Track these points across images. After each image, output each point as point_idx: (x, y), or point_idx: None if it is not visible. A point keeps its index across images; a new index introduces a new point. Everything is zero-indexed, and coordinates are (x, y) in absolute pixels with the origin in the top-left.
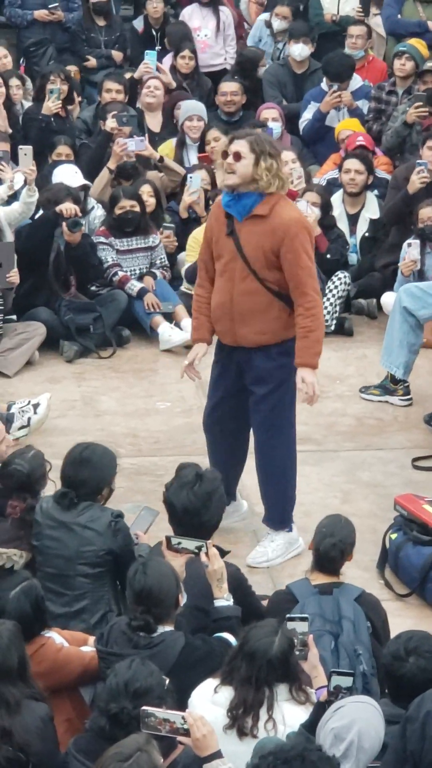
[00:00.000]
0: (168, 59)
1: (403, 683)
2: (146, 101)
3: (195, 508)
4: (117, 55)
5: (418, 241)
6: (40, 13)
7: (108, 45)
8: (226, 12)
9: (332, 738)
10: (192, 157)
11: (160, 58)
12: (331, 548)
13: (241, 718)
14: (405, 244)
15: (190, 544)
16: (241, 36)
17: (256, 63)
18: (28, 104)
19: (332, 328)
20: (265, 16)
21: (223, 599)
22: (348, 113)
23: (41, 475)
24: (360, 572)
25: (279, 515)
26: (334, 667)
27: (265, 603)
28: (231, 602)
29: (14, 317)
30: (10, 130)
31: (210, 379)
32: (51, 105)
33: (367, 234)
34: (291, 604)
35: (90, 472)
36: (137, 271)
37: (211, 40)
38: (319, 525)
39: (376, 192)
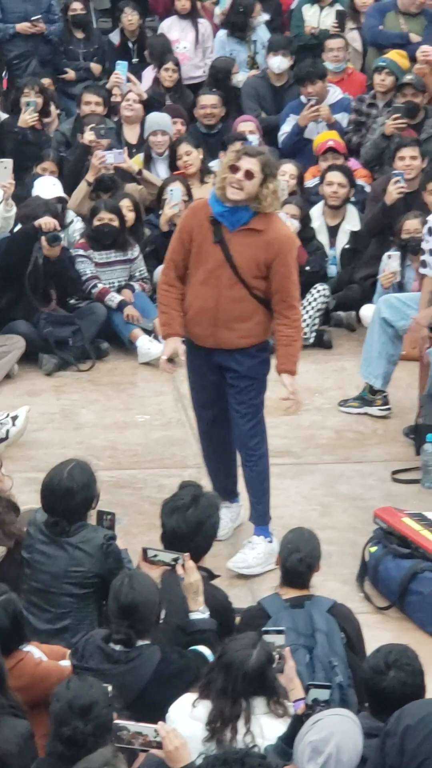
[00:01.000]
0: (150, 72)
1: (383, 697)
2: (124, 114)
3: (183, 533)
4: (95, 67)
5: (398, 253)
6: (23, 26)
7: (87, 57)
8: (204, 24)
9: (310, 751)
10: (160, 170)
11: (139, 71)
12: (298, 564)
13: (220, 730)
14: (385, 256)
15: (166, 556)
16: None
17: (229, 72)
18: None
19: (311, 341)
20: (221, 34)
21: (199, 612)
22: (327, 126)
23: None
24: (339, 585)
25: (264, 509)
26: (309, 681)
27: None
28: (206, 615)
29: None
30: None
31: (191, 389)
32: (27, 118)
33: (347, 246)
34: (263, 619)
35: (76, 500)
36: (116, 284)
37: (190, 53)
38: (284, 540)
39: (353, 198)
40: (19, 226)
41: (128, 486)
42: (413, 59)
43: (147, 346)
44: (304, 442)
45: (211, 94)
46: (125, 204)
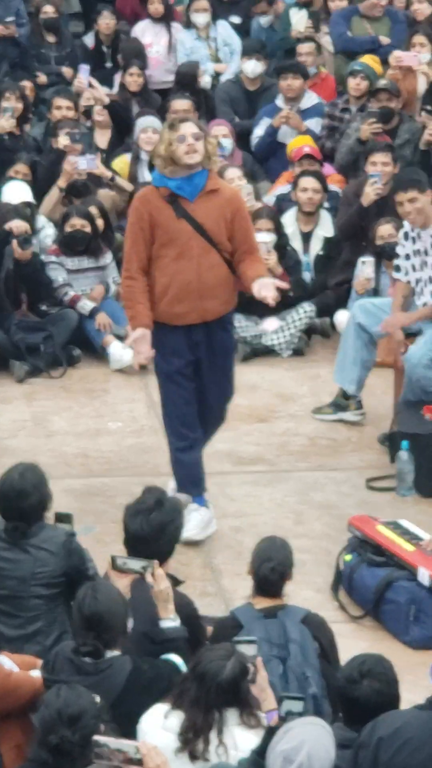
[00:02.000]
0: (120, 76)
1: (357, 706)
2: (96, 119)
3: (145, 536)
4: (67, 71)
5: (372, 259)
6: None
7: (58, 61)
8: (178, 28)
9: (282, 760)
10: (146, 172)
11: (113, 75)
12: (270, 573)
13: (192, 741)
14: (359, 262)
15: (135, 564)
16: None
17: (195, 76)
18: None
19: (286, 355)
20: (182, 35)
21: (169, 620)
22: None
23: None
24: (314, 594)
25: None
26: (283, 692)
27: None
28: (177, 623)
29: None
30: None
31: (164, 376)
32: (4, 123)
33: (321, 252)
34: (236, 629)
35: (31, 500)
36: (88, 291)
37: (163, 57)
38: (256, 549)
39: (327, 204)
40: None
41: (100, 494)
42: (385, 62)
43: (119, 352)
44: (277, 449)
45: (183, 98)
46: (93, 211)
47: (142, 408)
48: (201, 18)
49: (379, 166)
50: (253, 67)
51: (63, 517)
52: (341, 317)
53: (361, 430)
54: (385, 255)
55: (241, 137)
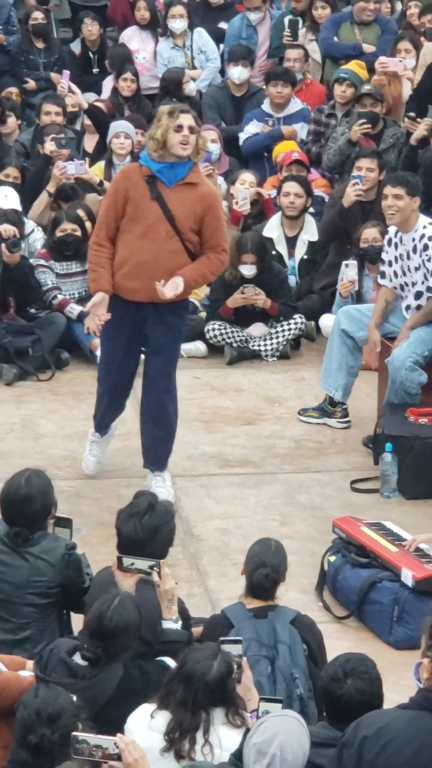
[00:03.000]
0: (109, 81)
1: (340, 705)
2: (86, 123)
3: (139, 539)
4: (56, 77)
5: (355, 262)
6: None
7: (47, 67)
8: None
9: (255, 753)
10: None
11: (99, 81)
12: (264, 579)
13: (178, 741)
14: (343, 265)
15: (143, 564)
16: None
17: (180, 82)
18: None
19: (270, 360)
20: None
21: (172, 621)
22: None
23: None
24: (298, 595)
25: (166, 455)
26: (270, 693)
27: (200, 628)
28: (179, 625)
29: None
30: None
31: (103, 337)
32: None
33: (305, 257)
34: (227, 628)
35: (36, 506)
36: (76, 295)
37: (149, 63)
38: (251, 552)
39: (312, 209)
40: None
41: (87, 496)
42: (371, 70)
43: None
44: (263, 451)
45: (170, 105)
46: (81, 214)
47: (130, 411)
48: (177, 24)
49: (364, 171)
50: (239, 72)
51: (63, 522)
52: (326, 321)
53: (345, 432)
54: (368, 258)
55: (228, 142)
